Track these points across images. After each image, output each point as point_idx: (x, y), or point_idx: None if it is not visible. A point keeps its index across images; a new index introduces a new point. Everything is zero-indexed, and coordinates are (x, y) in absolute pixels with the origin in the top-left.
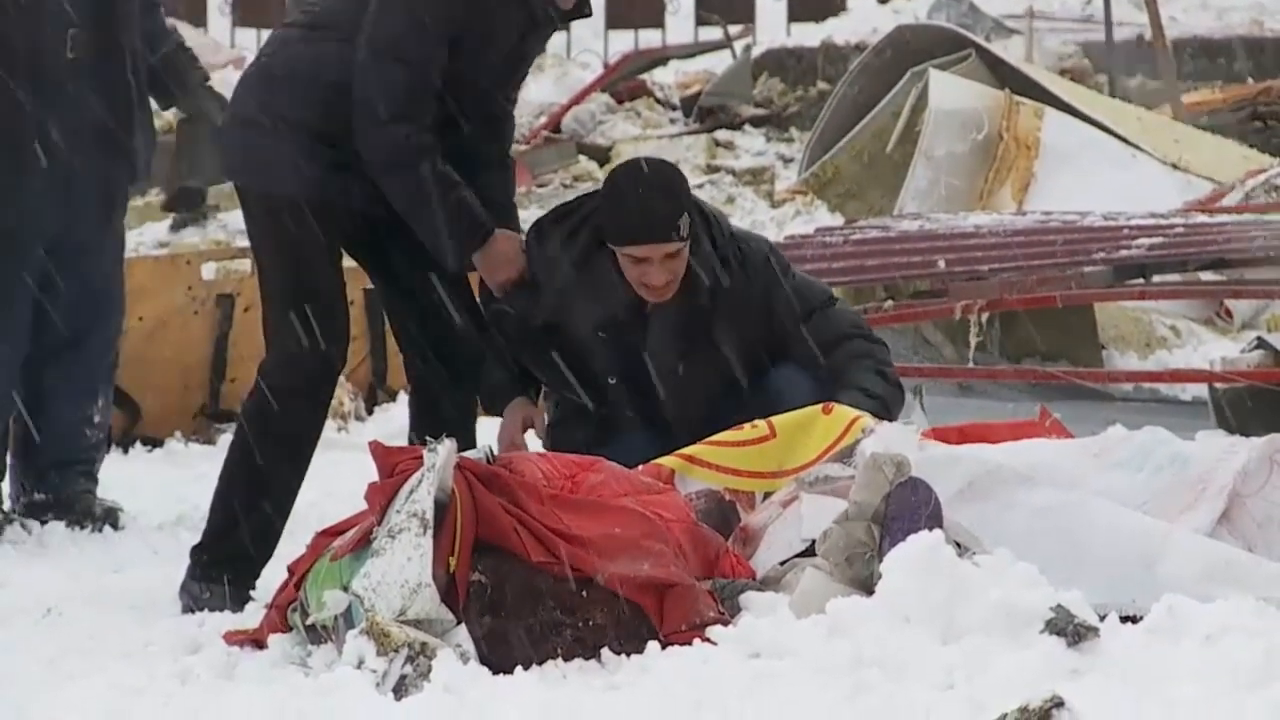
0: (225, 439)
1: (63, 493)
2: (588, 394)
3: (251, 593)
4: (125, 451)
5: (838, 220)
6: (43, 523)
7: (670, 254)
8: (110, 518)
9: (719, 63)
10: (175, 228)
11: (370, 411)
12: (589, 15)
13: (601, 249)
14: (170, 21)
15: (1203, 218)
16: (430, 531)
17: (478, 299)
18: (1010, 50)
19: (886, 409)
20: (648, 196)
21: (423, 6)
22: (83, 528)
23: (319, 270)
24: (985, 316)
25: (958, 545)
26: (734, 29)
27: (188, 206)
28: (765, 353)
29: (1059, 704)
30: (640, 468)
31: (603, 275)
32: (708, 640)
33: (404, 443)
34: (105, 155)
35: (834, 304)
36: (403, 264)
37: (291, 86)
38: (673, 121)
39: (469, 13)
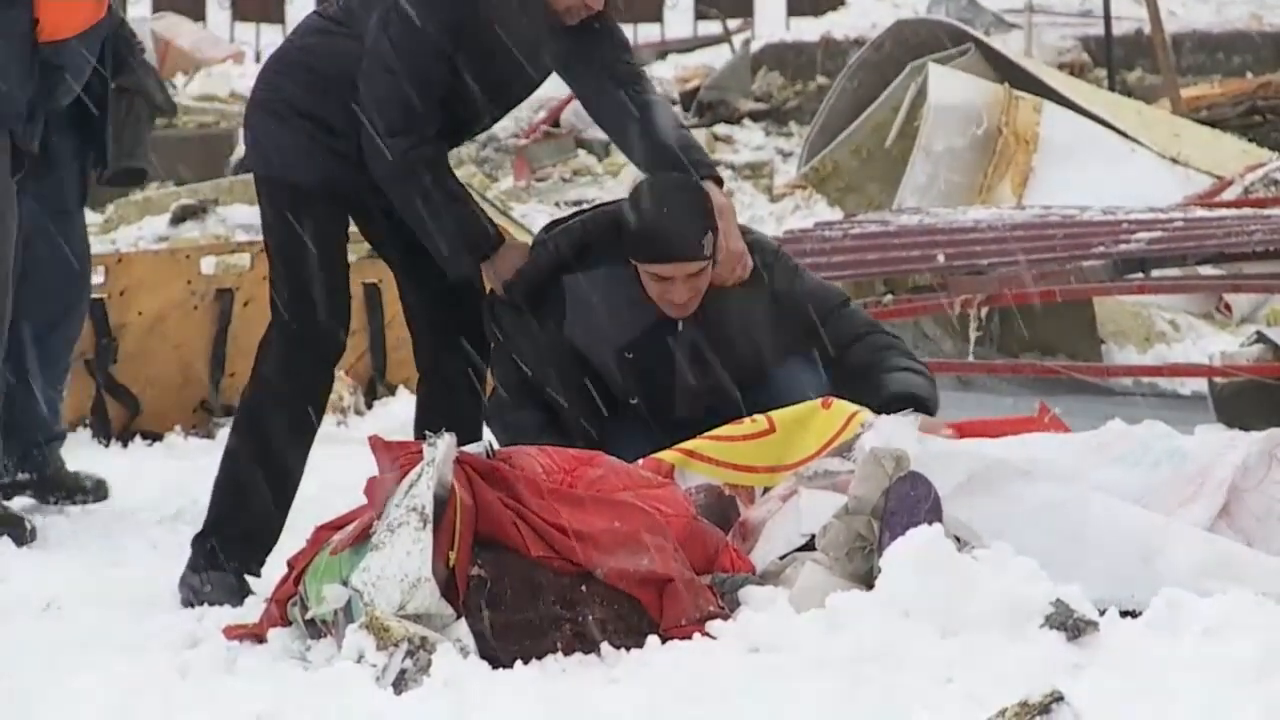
0: (225, 433)
1: (47, 470)
2: (593, 411)
3: (251, 586)
4: (125, 445)
5: (837, 215)
6: (52, 502)
7: (694, 273)
8: (100, 490)
9: (718, 57)
10: (174, 222)
11: (370, 406)
12: (599, 26)
13: (623, 268)
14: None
15: (1202, 212)
16: (430, 526)
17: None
18: (1009, 45)
19: (932, 385)
20: (672, 216)
21: (421, 20)
22: (74, 502)
23: (322, 258)
24: (984, 311)
25: (957, 540)
26: (733, 23)
27: (129, 184)
28: (777, 351)
29: (1058, 698)
30: (640, 462)
31: (630, 295)
32: (707, 634)
33: (404, 437)
34: (82, 140)
35: (849, 305)
36: (415, 252)
37: (307, 76)
38: None
39: (463, 23)
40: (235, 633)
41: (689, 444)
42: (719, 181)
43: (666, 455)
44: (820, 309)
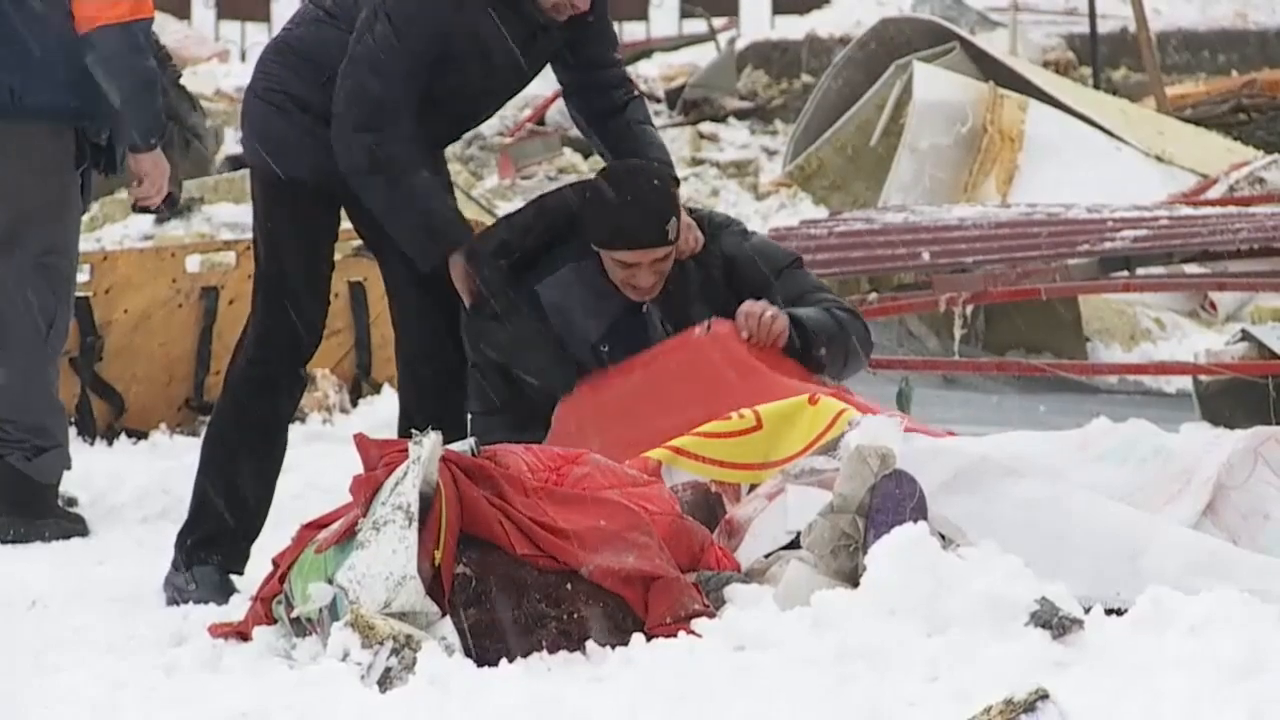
0: None
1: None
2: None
3: (236, 584)
4: (110, 444)
5: (822, 213)
6: None
7: (659, 258)
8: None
9: (703, 55)
10: (159, 221)
11: (355, 404)
12: (591, 21)
13: (585, 260)
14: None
15: (1187, 210)
16: (415, 524)
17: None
18: (994, 43)
19: (841, 327)
20: (637, 202)
21: (401, 19)
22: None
23: (305, 252)
24: (969, 309)
25: (942, 537)
26: (718, 21)
27: (162, 209)
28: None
29: (1044, 696)
30: (626, 461)
31: (596, 286)
32: (692, 632)
33: (390, 435)
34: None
35: (801, 265)
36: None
37: (305, 66)
38: (657, 114)
39: (451, 26)
40: (220, 631)
41: (676, 441)
42: (675, 183)
43: (654, 452)
44: (771, 266)
